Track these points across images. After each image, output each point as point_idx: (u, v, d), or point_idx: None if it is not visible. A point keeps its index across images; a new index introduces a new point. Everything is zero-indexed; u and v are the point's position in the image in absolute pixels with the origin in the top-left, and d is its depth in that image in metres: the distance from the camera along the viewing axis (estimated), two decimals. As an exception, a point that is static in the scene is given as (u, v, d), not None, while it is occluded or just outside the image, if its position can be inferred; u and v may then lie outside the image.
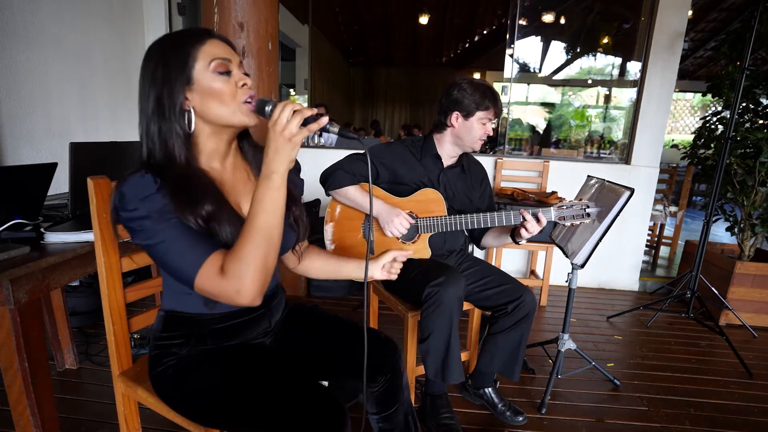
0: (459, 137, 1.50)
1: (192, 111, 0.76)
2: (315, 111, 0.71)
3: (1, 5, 1.89)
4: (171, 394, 0.87)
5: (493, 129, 1.52)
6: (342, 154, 1.62)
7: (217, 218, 0.74)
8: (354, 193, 1.47)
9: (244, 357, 0.88)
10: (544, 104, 6.87)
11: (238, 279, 0.69)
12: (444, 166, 1.56)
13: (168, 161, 0.75)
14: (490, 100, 1.45)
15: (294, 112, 0.69)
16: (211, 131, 0.80)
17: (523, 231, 1.35)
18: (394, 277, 1.06)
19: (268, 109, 0.74)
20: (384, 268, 1.05)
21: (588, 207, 1.35)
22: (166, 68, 0.73)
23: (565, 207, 1.35)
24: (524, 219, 1.33)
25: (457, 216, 1.43)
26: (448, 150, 1.55)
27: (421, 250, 1.49)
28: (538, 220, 1.33)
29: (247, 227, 0.71)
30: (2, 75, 1.92)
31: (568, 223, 1.37)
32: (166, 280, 0.87)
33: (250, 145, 0.92)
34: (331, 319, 1.06)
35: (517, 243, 1.44)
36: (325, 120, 0.71)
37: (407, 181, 1.52)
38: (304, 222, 0.93)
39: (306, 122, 0.70)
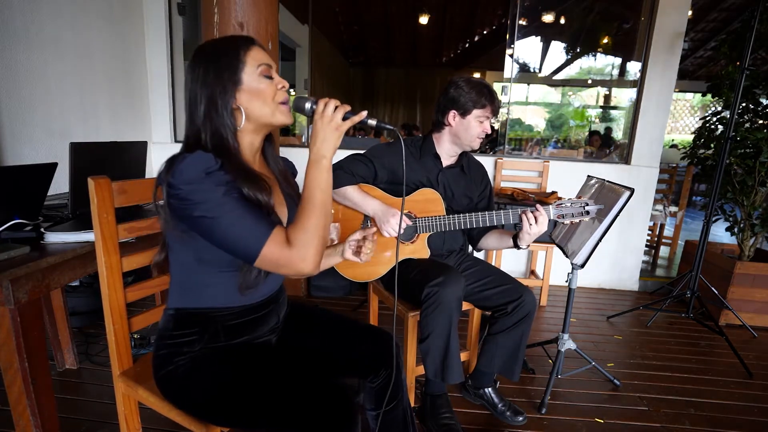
0: (457, 136, 1.50)
1: (241, 109, 0.83)
2: (349, 107, 0.82)
3: (1, 5, 1.89)
4: (180, 394, 0.87)
5: (494, 129, 1.52)
6: (343, 154, 1.62)
7: (270, 202, 0.81)
8: (353, 194, 1.47)
9: (253, 355, 0.89)
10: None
11: (305, 247, 0.76)
12: (443, 166, 1.56)
13: (221, 152, 0.80)
14: (487, 98, 1.44)
15: (336, 107, 0.80)
16: (252, 128, 0.86)
17: (525, 235, 1.34)
18: (365, 258, 1.07)
19: (308, 105, 0.83)
20: (350, 246, 1.09)
21: (587, 205, 1.35)
22: (218, 70, 0.80)
23: (564, 205, 1.35)
24: (522, 219, 1.33)
25: (456, 216, 1.43)
26: (446, 149, 1.55)
27: (420, 249, 1.49)
28: (536, 220, 1.31)
29: (306, 204, 0.79)
30: (2, 75, 1.92)
31: (567, 221, 1.37)
32: (176, 277, 0.87)
33: (270, 147, 0.97)
34: (332, 317, 1.08)
35: (519, 248, 1.43)
36: (364, 113, 0.82)
37: (406, 181, 1.52)
38: None
39: (346, 117, 0.81)
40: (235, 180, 0.75)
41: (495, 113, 1.48)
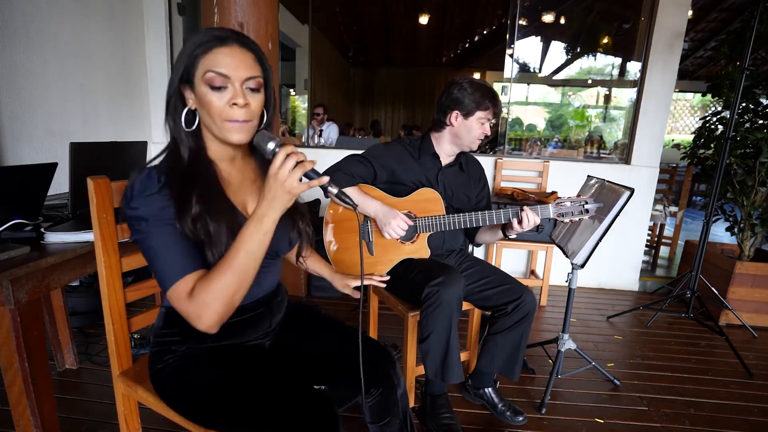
0: (458, 136, 1.50)
1: (197, 113, 0.79)
2: (315, 162, 0.72)
3: (1, 5, 1.89)
4: (169, 392, 0.87)
5: (494, 129, 1.53)
6: (343, 153, 1.62)
7: (210, 215, 0.75)
8: (352, 195, 1.47)
9: (242, 357, 0.88)
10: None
11: (203, 307, 0.72)
12: (442, 165, 1.56)
13: (178, 147, 0.79)
14: (490, 100, 1.45)
15: (296, 164, 0.70)
16: (212, 136, 0.81)
17: (515, 225, 1.36)
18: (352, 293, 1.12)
19: (271, 147, 0.74)
20: (347, 288, 1.13)
21: (586, 203, 1.35)
22: (177, 62, 0.77)
23: (563, 204, 1.35)
24: (519, 217, 1.34)
25: (456, 215, 1.43)
26: (446, 149, 1.55)
27: (420, 249, 1.49)
28: (528, 220, 1.34)
29: (226, 261, 0.73)
30: (2, 75, 1.92)
31: (567, 220, 1.37)
32: None
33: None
34: (331, 323, 1.05)
35: (506, 237, 1.45)
36: (325, 179, 0.73)
37: (405, 180, 1.52)
38: (308, 234, 0.95)
39: (307, 175, 0.72)
40: (172, 199, 0.73)
41: (497, 116, 1.49)
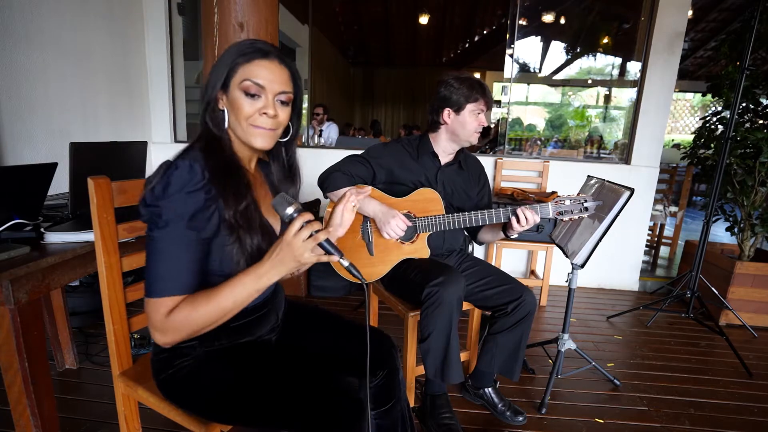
0: (454, 133, 1.51)
1: (225, 112, 0.82)
2: (329, 232, 0.72)
3: (1, 5, 1.89)
4: (183, 395, 0.87)
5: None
6: (342, 153, 1.62)
7: (251, 213, 0.79)
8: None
9: (255, 354, 0.89)
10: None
11: (173, 330, 0.74)
12: (441, 164, 1.56)
13: (220, 141, 0.82)
14: (478, 91, 1.45)
15: (310, 235, 0.70)
16: (236, 137, 0.84)
17: (515, 224, 1.36)
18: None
19: (288, 212, 0.73)
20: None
21: (585, 201, 1.35)
22: (218, 64, 0.81)
23: (562, 202, 1.35)
24: (518, 216, 1.34)
25: (455, 215, 1.43)
26: (444, 147, 1.56)
27: (420, 249, 1.49)
28: (527, 220, 1.34)
29: (214, 298, 0.74)
30: (2, 75, 1.92)
31: (566, 218, 1.37)
32: None
33: (281, 155, 0.94)
34: (331, 317, 1.08)
35: (508, 236, 1.45)
36: (336, 258, 0.73)
37: (404, 180, 1.52)
38: None
39: (321, 245, 0.71)
40: (218, 194, 0.75)
41: (489, 106, 1.48)
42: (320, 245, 0.71)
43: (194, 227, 0.73)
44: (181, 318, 0.73)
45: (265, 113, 0.79)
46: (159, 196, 0.72)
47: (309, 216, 0.72)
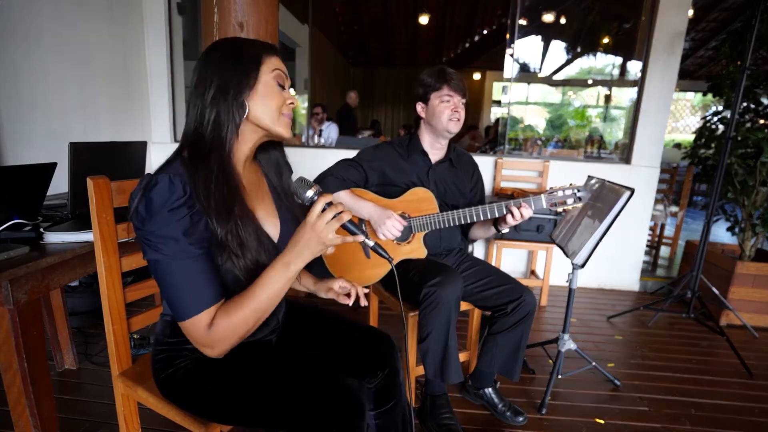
0: (430, 124, 1.52)
1: (246, 105, 0.79)
2: (349, 216, 0.73)
3: (0, 5, 1.89)
4: (183, 395, 0.87)
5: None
6: (342, 153, 1.62)
7: (243, 221, 0.76)
8: (345, 198, 1.47)
9: (255, 354, 0.89)
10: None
11: (220, 340, 0.74)
12: (432, 162, 1.56)
13: (211, 150, 0.76)
14: (438, 79, 1.45)
15: (333, 217, 0.71)
16: (249, 130, 0.82)
17: (509, 219, 1.36)
18: (346, 300, 1.02)
19: (309, 194, 0.74)
20: (330, 292, 1.05)
21: (578, 191, 1.34)
22: (239, 58, 0.78)
23: (555, 193, 1.35)
24: (512, 211, 1.34)
25: (449, 212, 1.42)
26: (431, 142, 1.56)
27: (417, 249, 1.49)
28: (521, 214, 1.35)
29: (248, 300, 0.74)
30: (2, 75, 1.92)
31: (560, 209, 1.36)
32: None
33: (276, 157, 0.94)
34: (331, 317, 1.08)
35: (499, 231, 1.46)
36: (360, 237, 0.75)
37: (396, 181, 1.52)
38: None
39: (345, 226, 0.73)
40: (203, 207, 0.71)
41: (456, 90, 1.45)
42: (344, 226, 0.72)
43: (191, 241, 0.71)
44: (224, 327, 0.73)
45: (291, 103, 0.83)
46: (144, 218, 0.70)
47: (330, 197, 0.73)
